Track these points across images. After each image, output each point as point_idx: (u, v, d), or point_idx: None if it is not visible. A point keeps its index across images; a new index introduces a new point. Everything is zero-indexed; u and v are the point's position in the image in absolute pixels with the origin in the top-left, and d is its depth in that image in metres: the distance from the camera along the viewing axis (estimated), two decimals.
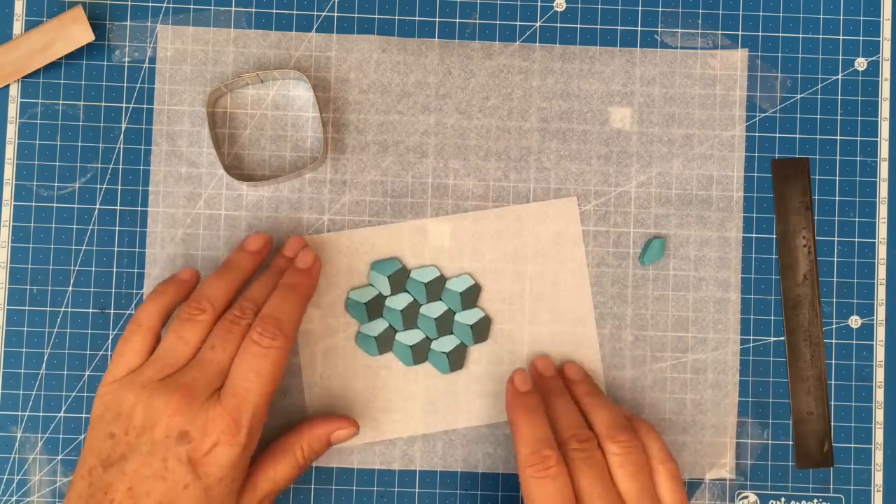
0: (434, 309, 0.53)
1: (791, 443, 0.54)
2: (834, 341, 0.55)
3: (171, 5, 0.55)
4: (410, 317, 0.53)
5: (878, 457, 0.55)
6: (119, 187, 0.54)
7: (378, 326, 0.53)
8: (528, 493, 0.47)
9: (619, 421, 0.49)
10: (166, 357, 0.46)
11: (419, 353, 0.53)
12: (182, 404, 0.44)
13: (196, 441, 0.44)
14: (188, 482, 0.44)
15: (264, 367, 0.46)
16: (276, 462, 0.49)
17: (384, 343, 0.53)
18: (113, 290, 0.54)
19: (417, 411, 0.54)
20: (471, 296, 0.53)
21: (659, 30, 0.55)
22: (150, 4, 0.55)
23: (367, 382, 0.54)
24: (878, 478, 0.54)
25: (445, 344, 0.53)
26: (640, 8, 0.55)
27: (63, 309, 0.54)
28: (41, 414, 0.53)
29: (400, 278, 0.53)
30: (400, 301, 0.53)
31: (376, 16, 0.55)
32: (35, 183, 0.54)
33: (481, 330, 0.53)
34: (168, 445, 0.44)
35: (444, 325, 0.53)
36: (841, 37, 0.56)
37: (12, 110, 0.54)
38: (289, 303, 0.48)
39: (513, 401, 0.51)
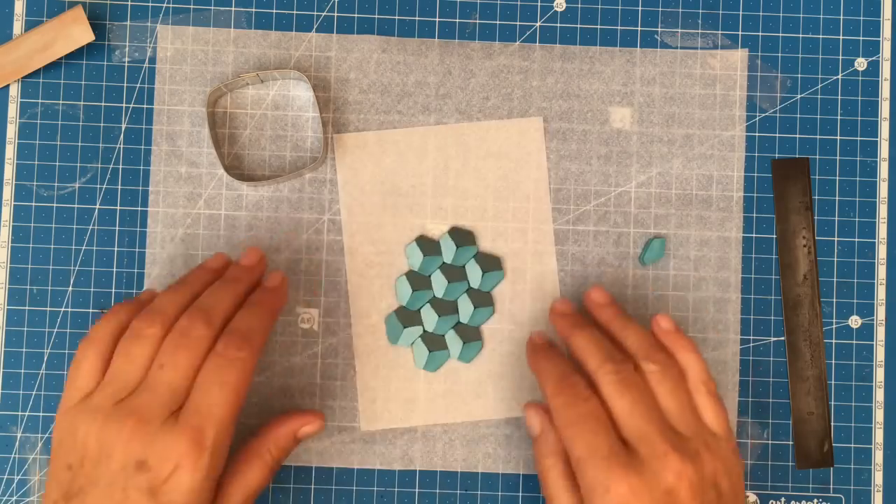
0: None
1: (791, 443, 0.54)
2: (834, 341, 0.55)
3: (171, 5, 0.55)
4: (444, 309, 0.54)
5: (878, 457, 0.55)
6: (119, 187, 0.54)
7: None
8: (562, 423, 0.45)
9: (652, 340, 0.48)
10: (116, 380, 0.44)
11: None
12: (136, 430, 0.42)
13: (155, 469, 0.41)
14: None
15: (229, 379, 0.43)
16: (246, 468, 0.46)
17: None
18: (113, 290, 0.54)
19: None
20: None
21: (659, 30, 0.55)
22: (150, 4, 0.55)
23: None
24: (878, 478, 0.54)
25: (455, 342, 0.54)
26: (640, 8, 0.55)
27: (63, 309, 0.54)
28: (41, 414, 0.53)
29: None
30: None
31: (376, 16, 0.55)
32: (35, 183, 0.54)
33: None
34: (127, 475, 0.41)
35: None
36: (841, 37, 0.56)
37: (12, 110, 0.54)
38: (255, 317, 0.46)
39: (532, 354, 0.50)
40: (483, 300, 0.54)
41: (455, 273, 0.53)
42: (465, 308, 0.53)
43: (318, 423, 0.49)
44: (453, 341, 0.53)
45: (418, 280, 0.53)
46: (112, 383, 0.44)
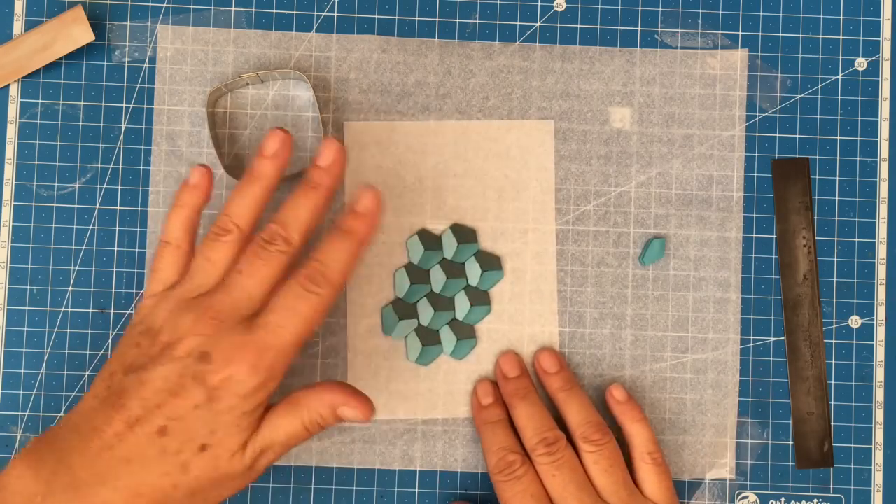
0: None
1: (791, 443, 0.54)
2: (834, 341, 0.55)
3: (171, 5, 0.55)
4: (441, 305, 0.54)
5: (878, 457, 0.55)
6: (119, 187, 0.54)
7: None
8: (502, 497, 0.49)
9: (593, 417, 0.51)
10: (196, 277, 0.46)
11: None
12: (208, 324, 0.43)
13: (215, 364, 0.43)
14: (199, 402, 0.43)
15: (302, 309, 0.44)
16: (281, 414, 0.45)
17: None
18: (113, 290, 0.54)
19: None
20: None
21: (659, 30, 0.55)
22: (150, 4, 0.55)
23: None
24: (878, 478, 0.54)
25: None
26: (640, 8, 0.55)
27: (63, 309, 0.54)
28: (41, 414, 0.53)
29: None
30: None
31: (376, 16, 0.55)
32: (35, 183, 0.54)
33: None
34: (187, 364, 0.43)
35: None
36: (841, 37, 0.56)
37: (12, 110, 0.54)
38: (341, 251, 0.45)
39: (477, 415, 0.53)
40: (480, 299, 0.54)
41: (454, 269, 0.53)
42: (462, 305, 0.53)
43: (364, 411, 0.46)
44: (447, 337, 0.53)
45: (417, 273, 0.53)
46: (192, 279, 0.46)
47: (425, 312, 0.53)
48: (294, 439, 0.46)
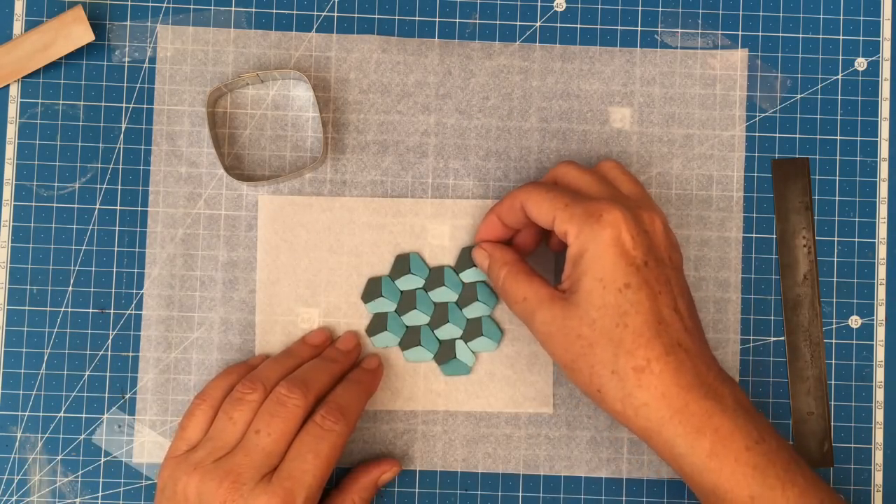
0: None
1: (791, 443, 0.54)
2: (834, 341, 0.55)
3: (171, 5, 0.55)
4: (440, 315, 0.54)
5: (878, 457, 0.55)
6: (119, 187, 0.54)
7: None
8: (536, 190, 0.48)
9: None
10: (216, 438, 0.48)
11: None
12: (231, 490, 0.45)
13: None
14: None
15: (323, 450, 0.46)
16: None
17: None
18: (113, 290, 0.54)
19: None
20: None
21: (659, 30, 0.55)
22: (150, 4, 0.55)
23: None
24: (878, 478, 0.55)
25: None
26: (640, 8, 0.55)
27: (63, 309, 0.54)
28: (41, 414, 0.53)
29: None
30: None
31: (376, 16, 0.55)
32: (35, 183, 0.54)
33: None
34: None
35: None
36: (841, 37, 0.56)
37: (12, 110, 0.54)
38: (353, 394, 0.49)
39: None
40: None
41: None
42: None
43: (397, 469, 0.52)
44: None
45: (435, 278, 0.54)
46: (213, 440, 0.48)
47: (419, 318, 0.53)
48: None
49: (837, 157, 0.55)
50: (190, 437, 0.49)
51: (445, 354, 0.53)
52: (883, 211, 0.55)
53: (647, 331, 0.45)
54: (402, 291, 0.53)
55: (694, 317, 0.47)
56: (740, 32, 0.56)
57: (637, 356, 0.44)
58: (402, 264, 0.53)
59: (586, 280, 0.45)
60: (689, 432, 0.44)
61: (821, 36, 0.56)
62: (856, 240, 0.55)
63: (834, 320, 0.55)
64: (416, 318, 0.53)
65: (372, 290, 0.53)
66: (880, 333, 0.55)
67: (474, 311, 0.53)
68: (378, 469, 0.52)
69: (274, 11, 0.55)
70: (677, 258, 0.48)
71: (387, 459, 0.52)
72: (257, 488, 0.45)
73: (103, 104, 0.54)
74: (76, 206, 0.54)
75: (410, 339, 0.53)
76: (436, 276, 0.53)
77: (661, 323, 0.45)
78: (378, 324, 0.53)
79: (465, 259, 0.53)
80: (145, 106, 0.54)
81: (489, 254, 0.51)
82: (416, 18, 0.55)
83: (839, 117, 0.55)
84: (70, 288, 0.54)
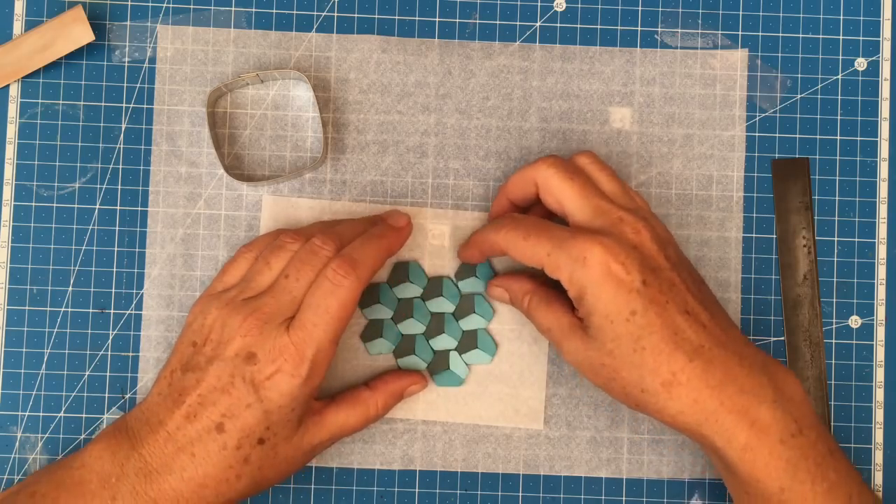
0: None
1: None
2: (834, 341, 0.55)
3: (171, 5, 0.55)
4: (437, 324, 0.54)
5: (878, 457, 0.55)
6: (119, 187, 0.54)
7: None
8: (515, 241, 0.48)
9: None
10: (251, 280, 0.48)
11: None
12: (254, 327, 0.46)
13: (261, 364, 0.46)
14: (250, 402, 0.46)
15: (331, 305, 0.46)
16: (348, 411, 0.50)
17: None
18: (113, 290, 0.54)
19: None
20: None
21: (659, 30, 0.55)
22: (150, 4, 0.55)
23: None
24: (878, 478, 0.55)
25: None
26: (640, 8, 0.55)
27: (63, 309, 0.54)
28: (41, 414, 0.53)
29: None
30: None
31: (376, 16, 0.55)
32: (35, 183, 0.54)
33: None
34: (236, 363, 0.46)
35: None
36: (841, 37, 0.56)
37: (12, 110, 0.54)
38: (369, 247, 0.49)
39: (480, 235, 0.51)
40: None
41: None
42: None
43: (424, 384, 0.53)
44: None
45: (433, 287, 0.53)
46: (246, 282, 0.49)
47: (414, 327, 0.53)
48: (350, 431, 0.50)
49: (837, 157, 0.55)
50: (227, 280, 0.50)
51: (439, 365, 0.53)
52: (883, 211, 0.55)
53: (665, 346, 0.45)
54: (399, 299, 0.53)
55: (707, 301, 0.47)
56: (740, 32, 0.56)
57: (662, 372, 0.45)
58: (401, 272, 0.53)
59: (594, 318, 0.46)
60: (724, 430, 0.45)
61: (821, 36, 0.56)
62: (856, 240, 0.55)
63: (834, 320, 0.55)
64: (412, 326, 0.53)
65: (369, 296, 0.53)
66: (880, 333, 0.55)
67: (471, 323, 0.53)
68: (409, 379, 0.52)
69: (274, 11, 0.55)
70: (672, 252, 0.48)
71: (417, 373, 0.53)
72: (276, 330, 0.46)
73: (103, 104, 0.54)
74: (76, 206, 0.54)
75: (405, 347, 0.53)
76: (434, 286, 0.53)
77: (677, 333, 0.45)
78: (373, 330, 0.53)
79: (466, 269, 0.53)
80: (145, 106, 0.54)
81: (506, 288, 0.52)
82: (416, 18, 0.55)
83: (839, 117, 0.55)
84: (70, 288, 0.54)
